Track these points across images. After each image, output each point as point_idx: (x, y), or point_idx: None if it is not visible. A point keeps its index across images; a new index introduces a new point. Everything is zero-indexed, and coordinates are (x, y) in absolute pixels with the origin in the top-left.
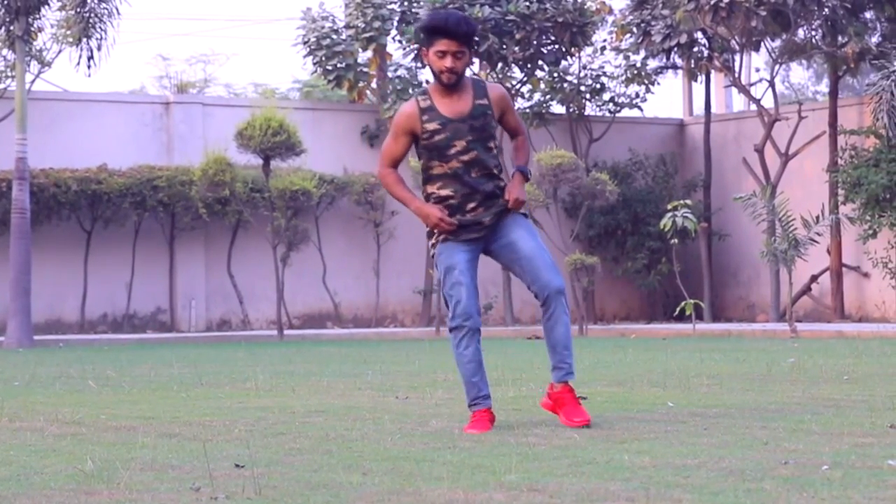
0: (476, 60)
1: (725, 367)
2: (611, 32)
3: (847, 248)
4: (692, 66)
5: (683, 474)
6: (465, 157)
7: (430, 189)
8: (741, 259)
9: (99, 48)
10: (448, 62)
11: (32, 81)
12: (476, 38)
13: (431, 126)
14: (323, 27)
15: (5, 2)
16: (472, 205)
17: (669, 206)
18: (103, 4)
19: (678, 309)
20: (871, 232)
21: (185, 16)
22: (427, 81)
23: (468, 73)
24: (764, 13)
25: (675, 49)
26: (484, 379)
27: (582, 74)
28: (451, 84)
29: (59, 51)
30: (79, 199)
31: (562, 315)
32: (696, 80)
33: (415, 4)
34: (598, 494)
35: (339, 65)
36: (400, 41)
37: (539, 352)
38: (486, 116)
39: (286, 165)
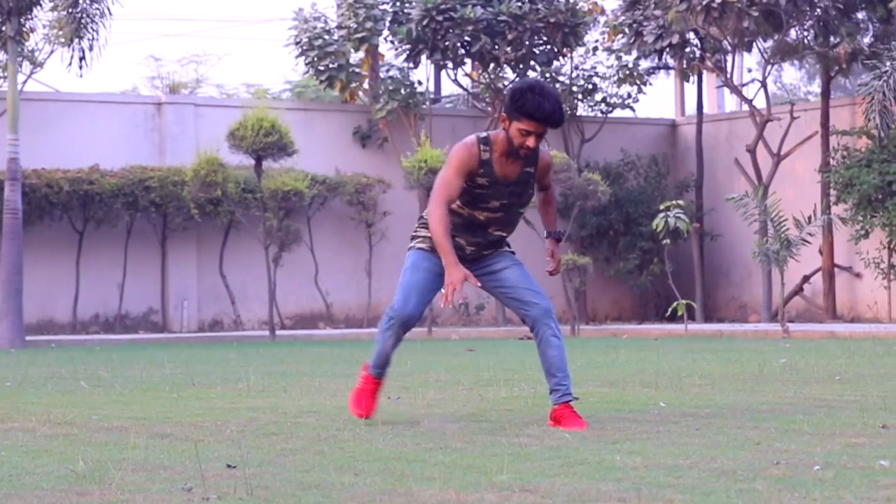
0: (468, 62)
1: (717, 368)
2: (603, 33)
3: (839, 248)
4: (684, 66)
5: (675, 475)
6: (492, 215)
7: None
8: (733, 259)
9: (91, 49)
10: (531, 142)
11: (24, 82)
12: None
13: (481, 180)
14: (315, 28)
15: None
16: (463, 243)
17: (661, 207)
18: (95, 5)
19: (670, 309)
20: (862, 232)
21: (176, 16)
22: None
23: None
24: (756, 14)
25: (667, 49)
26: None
27: (574, 75)
28: (523, 157)
29: (51, 51)
30: (71, 200)
31: (551, 338)
32: (688, 81)
33: (407, 5)
34: (589, 495)
35: (330, 65)
36: (392, 42)
37: (531, 352)
38: (528, 184)
39: (278, 166)
